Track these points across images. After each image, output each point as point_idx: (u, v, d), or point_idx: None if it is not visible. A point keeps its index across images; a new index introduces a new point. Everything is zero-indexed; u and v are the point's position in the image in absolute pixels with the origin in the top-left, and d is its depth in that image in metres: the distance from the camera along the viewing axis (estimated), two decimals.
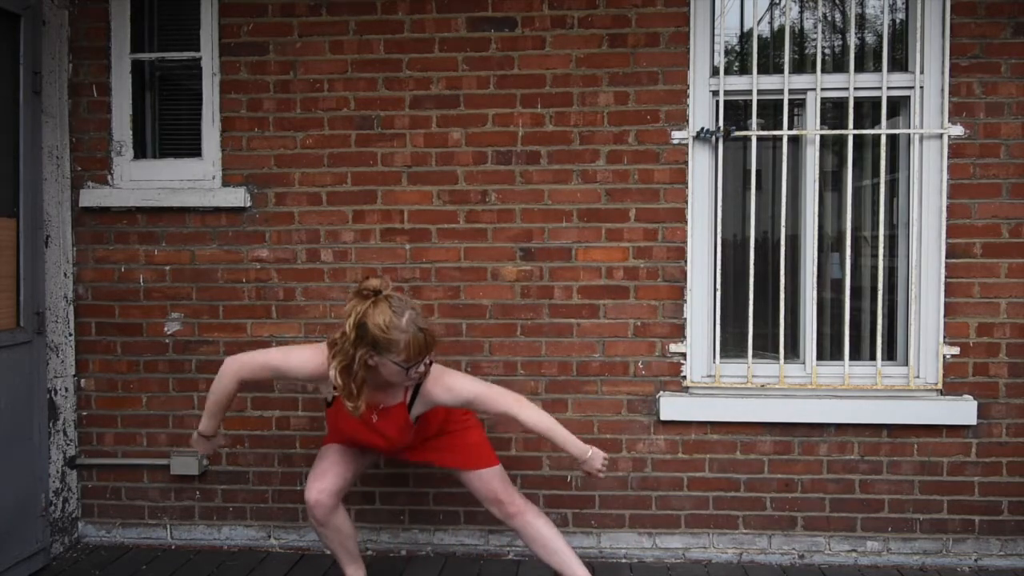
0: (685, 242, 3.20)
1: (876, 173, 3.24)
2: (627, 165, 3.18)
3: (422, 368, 2.38)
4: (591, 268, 3.22)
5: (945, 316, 3.13)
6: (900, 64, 3.24)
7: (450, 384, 2.49)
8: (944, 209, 3.11)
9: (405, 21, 3.25)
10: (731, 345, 3.34)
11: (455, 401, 2.51)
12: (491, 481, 2.68)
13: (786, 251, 3.22)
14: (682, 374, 3.22)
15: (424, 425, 2.64)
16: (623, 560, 3.24)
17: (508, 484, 2.71)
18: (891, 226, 3.28)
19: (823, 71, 3.16)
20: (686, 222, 3.19)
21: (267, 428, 3.36)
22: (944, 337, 3.14)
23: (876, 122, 3.26)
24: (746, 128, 3.23)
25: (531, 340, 3.24)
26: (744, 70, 3.31)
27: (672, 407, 3.19)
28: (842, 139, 3.22)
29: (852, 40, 3.19)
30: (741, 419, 3.18)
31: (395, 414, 2.51)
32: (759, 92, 3.18)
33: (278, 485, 3.37)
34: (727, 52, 3.45)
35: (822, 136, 3.20)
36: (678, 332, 3.22)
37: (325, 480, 2.63)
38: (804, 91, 3.20)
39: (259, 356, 2.48)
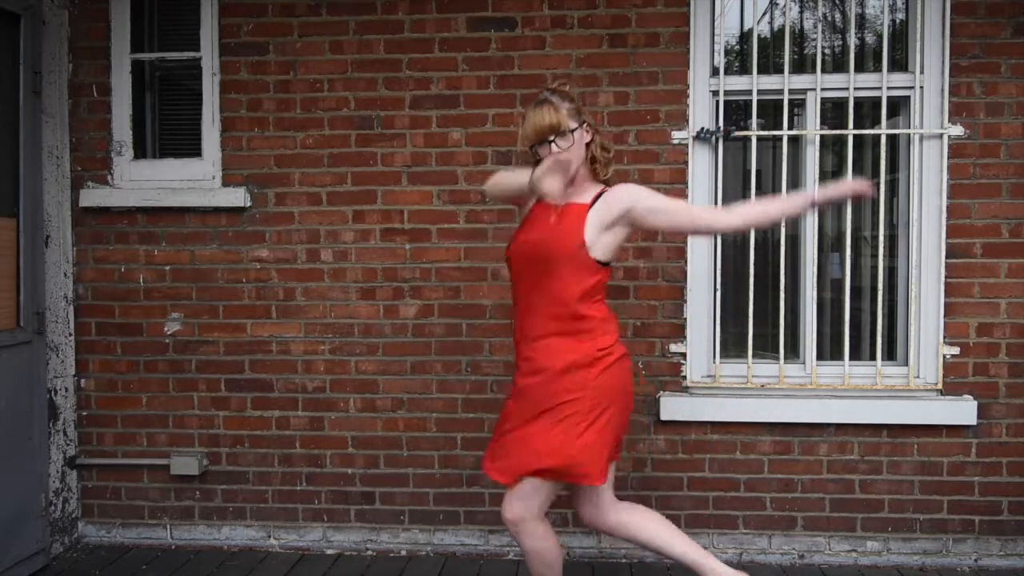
0: (685, 242, 3.19)
1: (876, 173, 3.23)
2: (627, 165, 3.18)
3: (555, 149, 2.23)
4: None
5: (945, 316, 3.13)
6: (900, 64, 3.24)
7: (632, 189, 2.31)
8: (944, 209, 3.11)
9: (405, 21, 3.25)
10: (731, 345, 3.34)
11: (627, 204, 2.25)
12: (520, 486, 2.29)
13: (786, 251, 3.22)
14: (682, 374, 3.22)
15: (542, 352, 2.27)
16: (623, 560, 3.24)
17: (533, 496, 2.28)
18: (891, 226, 3.27)
19: (823, 71, 3.16)
20: None
21: (267, 428, 3.36)
22: (944, 337, 3.14)
23: (876, 122, 3.26)
24: (746, 128, 3.23)
25: None
26: (744, 70, 3.31)
27: (672, 407, 3.19)
28: (842, 139, 3.22)
29: (852, 40, 3.19)
30: (741, 419, 3.18)
31: (574, 211, 2.29)
32: (759, 92, 3.18)
33: (278, 485, 3.37)
34: (727, 52, 3.45)
35: (822, 136, 3.20)
36: (678, 332, 3.22)
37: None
38: (804, 91, 3.20)
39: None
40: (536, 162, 2.31)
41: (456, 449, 3.30)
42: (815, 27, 3.27)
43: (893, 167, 3.26)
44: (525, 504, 2.28)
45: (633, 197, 2.29)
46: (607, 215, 2.28)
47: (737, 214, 2.30)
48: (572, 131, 2.27)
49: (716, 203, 3.19)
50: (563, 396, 2.23)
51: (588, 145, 2.33)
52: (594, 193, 2.32)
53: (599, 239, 2.28)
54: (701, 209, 2.33)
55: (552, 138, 2.26)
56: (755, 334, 3.20)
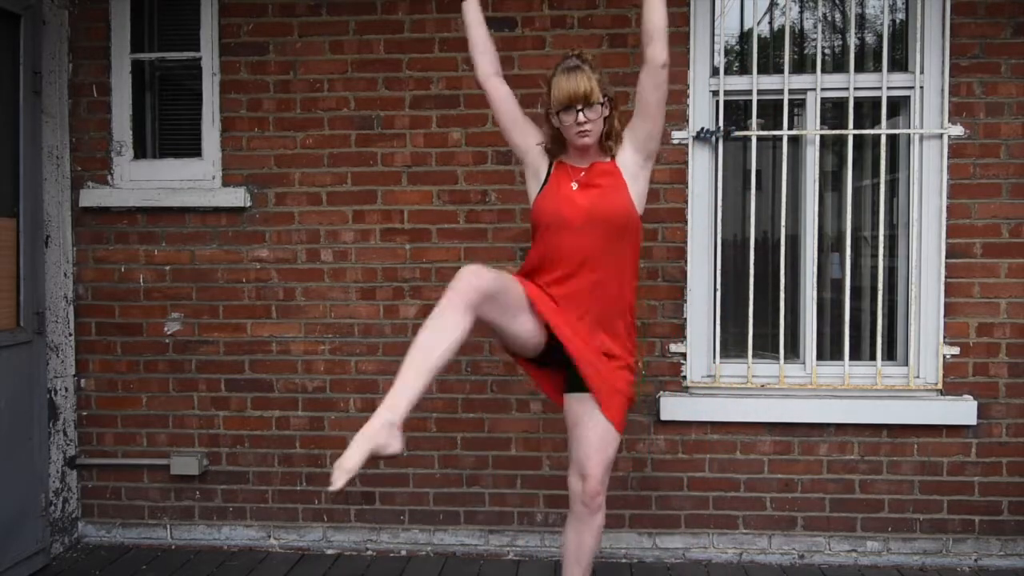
0: (685, 242, 3.20)
1: (876, 173, 3.23)
2: None
3: (581, 118, 2.25)
4: None
5: (945, 316, 3.13)
6: (900, 64, 3.24)
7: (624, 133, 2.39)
8: (944, 209, 3.11)
9: (405, 21, 3.25)
10: (731, 345, 3.34)
11: (630, 135, 2.36)
12: (610, 447, 2.34)
13: (786, 251, 3.22)
14: (682, 374, 3.22)
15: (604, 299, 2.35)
16: (623, 560, 3.24)
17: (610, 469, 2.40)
18: (891, 226, 3.27)
19: (823, 71, 3.16)
20: (686, 222, 3.19)
21: (267, 428, 3.36)
22: (944, 337, 3.14)
23: (876, 122, 3.26)
24: (746, 128, 3.23)
25: None
26: (744, 70, 3.31)
27: (672, 407, 3.19)
28: (842, 139, 3.22)
29: (852, 40, 3.19)
30: (741, 419, 3.18)
31: (604, 168, 2.35)
32: (759, 92, 3.18)
33: (278, 485, 3.37)
34: (727, 52, 3.45)
35: (822, 136, 3.20)
36: (678, 332, 3.22)
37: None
38: (804, 91, 3.20)
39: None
40: (553, 130, 2.35)
41: (456, 449, 3.30)
42: (815, 27, 3.27)
43: (893, 167, 3.26)
44: (605, 484, 2.36)
45: (627, 129, 2.37)
46: (631, 161, 2.35)
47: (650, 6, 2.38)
48: (600, 103, 2.28)
49: (716, 203, 3.20)
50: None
51: (606, 119, 2.34)
52: (608, 156, 2.38)
53: (636, 188, 2.35)
54: (646, 51, 2.37)
55: (580, 107, 2.26)
56: (755, 334, 3.20)
